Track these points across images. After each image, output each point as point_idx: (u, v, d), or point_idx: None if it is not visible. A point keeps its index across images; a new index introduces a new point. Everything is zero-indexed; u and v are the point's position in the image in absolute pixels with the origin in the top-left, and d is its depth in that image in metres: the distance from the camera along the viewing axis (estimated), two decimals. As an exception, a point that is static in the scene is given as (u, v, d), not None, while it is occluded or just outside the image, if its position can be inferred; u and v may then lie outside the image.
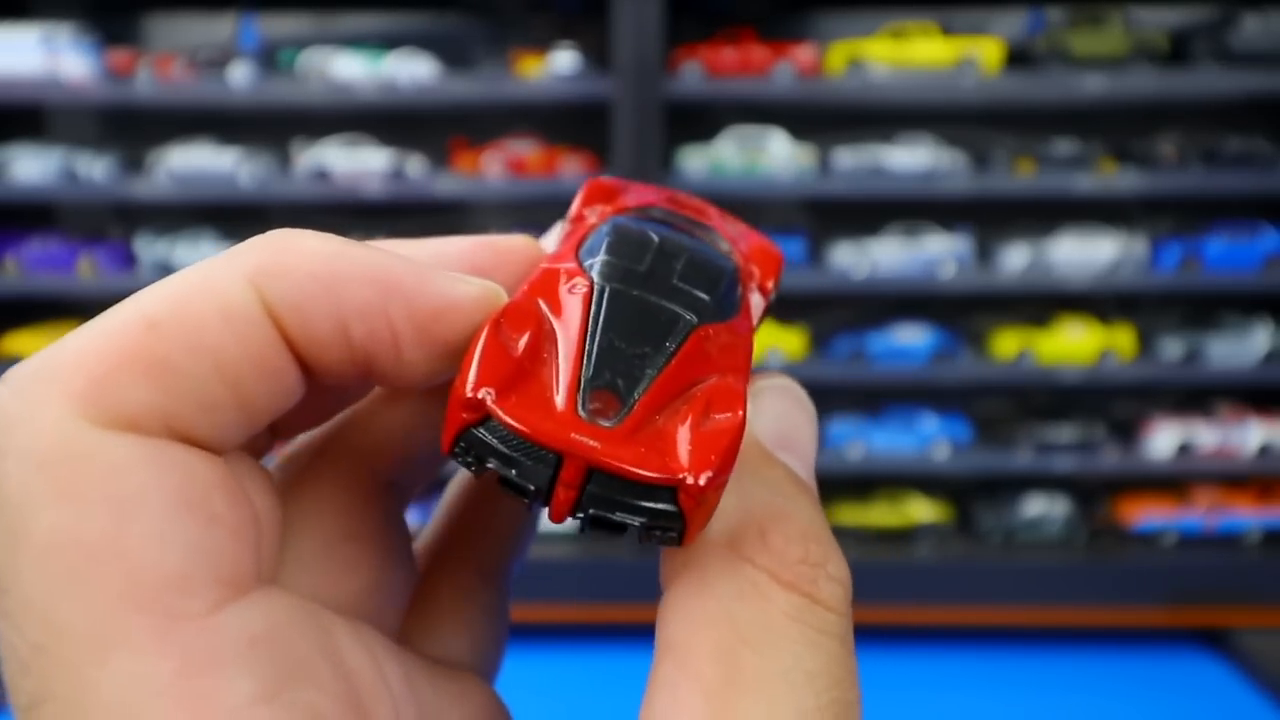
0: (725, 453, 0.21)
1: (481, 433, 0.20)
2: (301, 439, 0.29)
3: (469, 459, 0.21)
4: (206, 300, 0.24)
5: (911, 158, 1.86)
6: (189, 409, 0.22)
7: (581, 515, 0.21)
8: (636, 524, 0.21)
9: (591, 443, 0.20)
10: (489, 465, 0.20)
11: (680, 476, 0.21)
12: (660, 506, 0.21)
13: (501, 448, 0.20)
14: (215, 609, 0.21)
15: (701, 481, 0.21)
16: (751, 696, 0.23)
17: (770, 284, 0.29)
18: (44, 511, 0.21)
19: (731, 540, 0.25)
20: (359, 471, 0.29)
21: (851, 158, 1.87)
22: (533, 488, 0.20)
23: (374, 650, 0.26)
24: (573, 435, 0.20)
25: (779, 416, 0.29)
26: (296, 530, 0.27)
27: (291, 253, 0.24)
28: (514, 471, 0.20)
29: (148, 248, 1.93)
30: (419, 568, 0.32)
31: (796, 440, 0.28)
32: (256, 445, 0.27)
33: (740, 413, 0.22)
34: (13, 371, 0.22)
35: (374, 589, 0.28)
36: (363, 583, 0.28)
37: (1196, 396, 2.01)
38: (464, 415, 0.20)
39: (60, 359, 0.22)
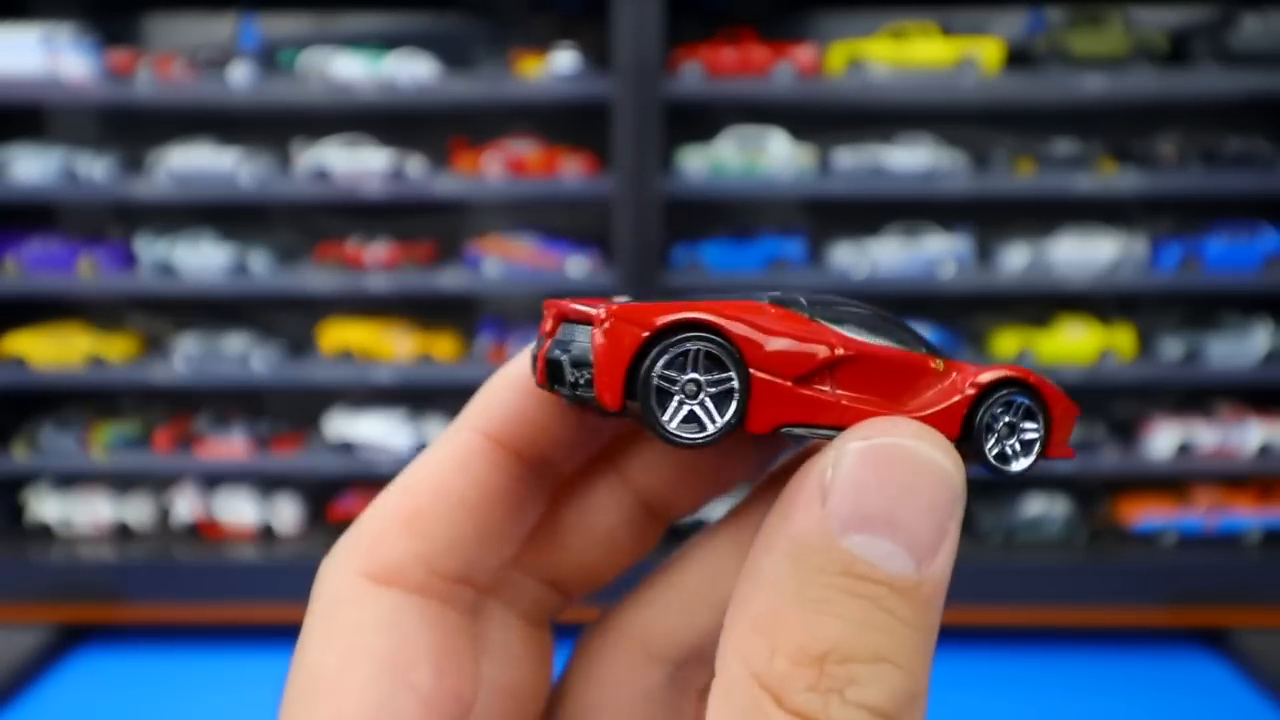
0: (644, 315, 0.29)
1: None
2: None
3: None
4: (444, 452, 0.31)
5: (911, 158, 1.86)
6: (442, 548, 0.30)
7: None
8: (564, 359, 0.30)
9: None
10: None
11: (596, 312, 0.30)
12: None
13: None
14: None
15: (605, 311, 0.29)
16: None
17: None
18: (309, 641, 0.29)
19: (748, 648, 0.25)
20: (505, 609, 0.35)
21: (851, 158, 1.87)
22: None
23: None
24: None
25: (865, 488, 0.25)
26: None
27: (490, 387, 0.32)
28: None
29: (148, 247, 1.93)
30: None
31: (894, 518, 0.25)
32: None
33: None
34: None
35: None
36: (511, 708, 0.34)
37: (1196, 396, 2.01)
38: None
39: (358, 528, 0.30)
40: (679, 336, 0.29)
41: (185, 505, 1.98)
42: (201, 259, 1.91)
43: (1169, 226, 1.98)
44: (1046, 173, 1.85)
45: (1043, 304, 1.98)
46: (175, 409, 2.09)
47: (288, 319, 2.07)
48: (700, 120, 1.97)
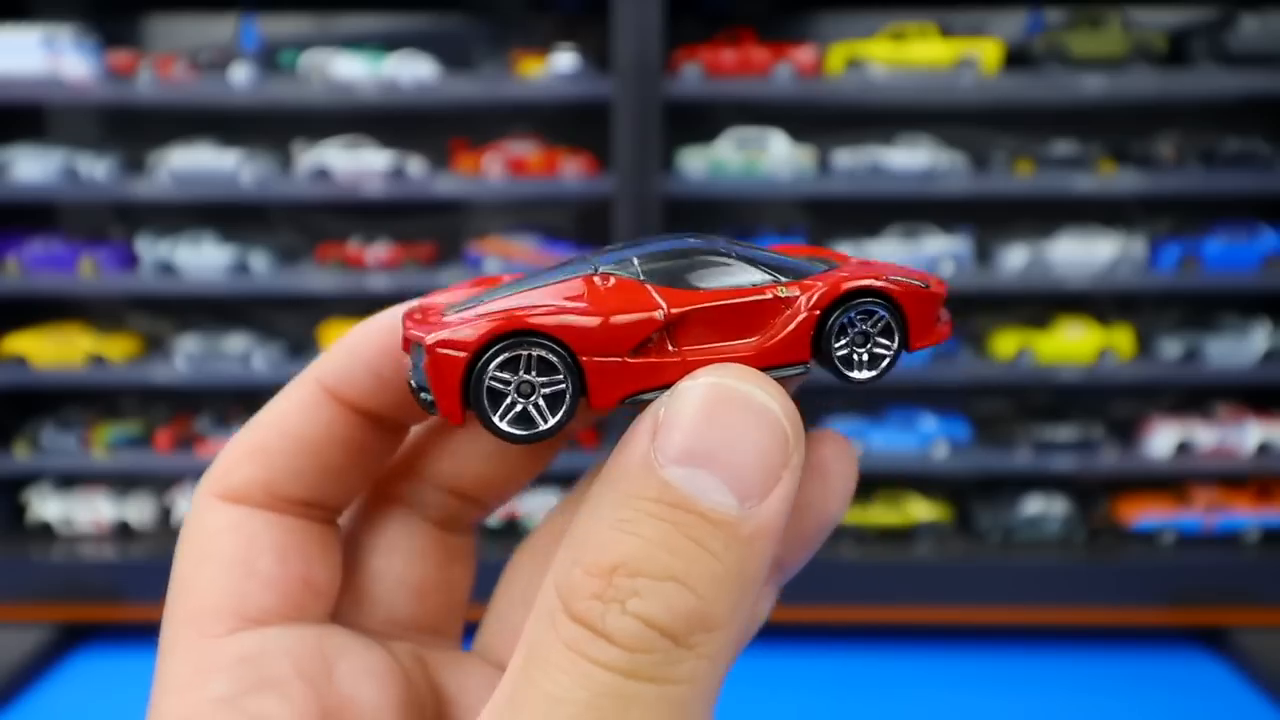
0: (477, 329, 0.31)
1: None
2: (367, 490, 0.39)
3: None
4: (288, 397, 0.35)
5: (911, 158, 1.86)
6: (282, 477, 0.34)
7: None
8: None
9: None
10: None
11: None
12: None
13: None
14: (226, 634, 0.32)
15: (429, 340, 0.31)
16: (514, 718, 0.25)
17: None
18: (175, 557, 0.34)
19: (558, 563, 0.27)
20: (409, 512, 0.38)
21: (851, 158, 1.87)
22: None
23: (412, 670, 0.35)
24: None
25: (696, 427, 0.26)
26: (374, 571, 0.37)
27: (340, 341, 0.36)
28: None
29: (149, 248, 1.93)
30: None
31: (716, 455, 0.25)
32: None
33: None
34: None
35: (441, 610, 0.38)
36: (429, 606, 0.38)
37: (1195, 396, 2.01)
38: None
39: (214, 461, 0.35)
40: (499, 347, 0.30)
41: (186, 505, 1.98)
42: (202, 259, 1.91)
43: (1168, 227, 1.99)
44: (1046, 173, 1.85)
45: (1042, 304, 1.98)
46: (176, 409, 2.09)
47: (288, 319, 2.07)
48: (700, 120, 1.97)
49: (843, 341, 0.33)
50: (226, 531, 0.34)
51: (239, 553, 0.33)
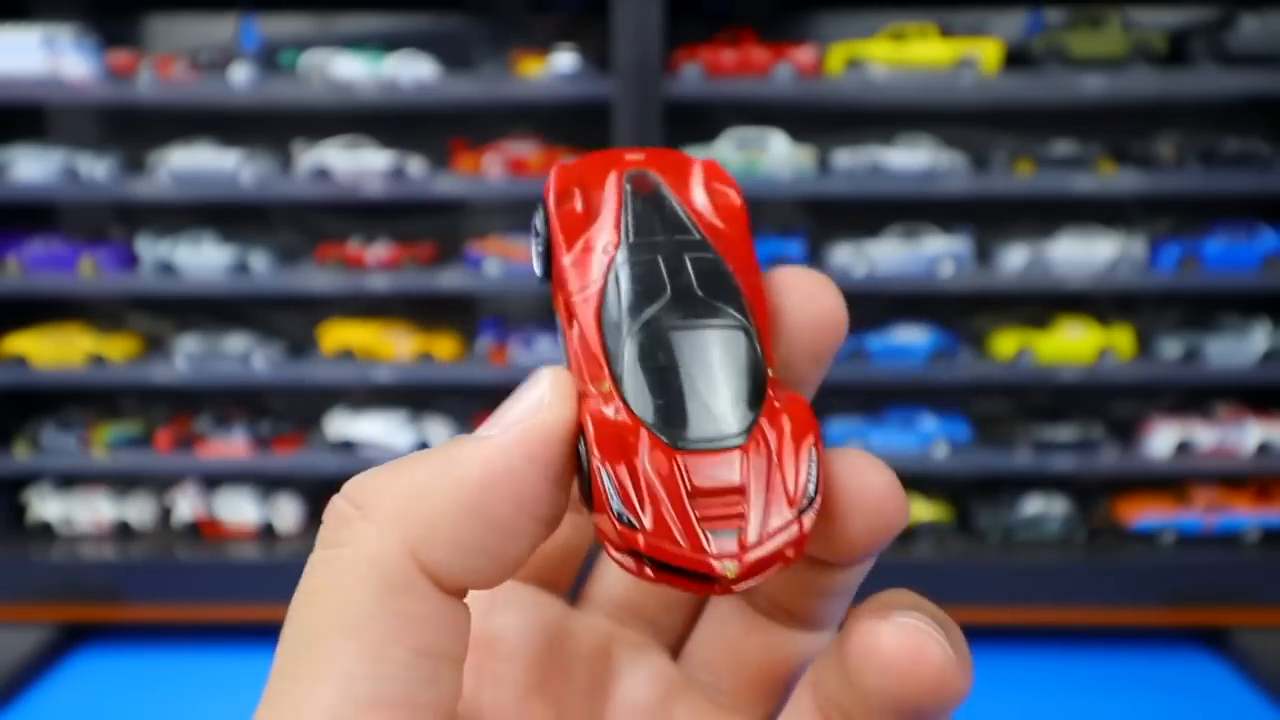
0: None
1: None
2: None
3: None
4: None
5: (911, 158, 1.86)
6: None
7: None
8: None
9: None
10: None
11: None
12: None
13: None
14: None
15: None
16: None
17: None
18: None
19: None
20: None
21: (851, 158, 1.87)
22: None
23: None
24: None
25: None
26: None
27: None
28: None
29: (149, 248, 1.93)
30: None
31: (499, 414, 0.27)
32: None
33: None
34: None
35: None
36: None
37: (1195, 396, 2.01)
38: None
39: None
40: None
41: (186, 505, 1.98)
42: (202, 259, 1.92)
43: (1168, 227, 1.99)
44: (1046, 173, 1.85)
45: (1042, 304, 1.98)
46: (176, 409, 2.09)
47: (288, 319, 2.07)
48: (700, 120, 1.97)
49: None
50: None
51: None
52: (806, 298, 0.29)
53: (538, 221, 0.30)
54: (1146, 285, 1.89)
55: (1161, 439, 1.89)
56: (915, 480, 2.00)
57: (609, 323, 0.27)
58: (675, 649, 0.33)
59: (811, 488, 0.25)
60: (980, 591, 1.84)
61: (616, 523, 0.24)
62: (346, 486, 0.26)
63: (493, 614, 0.32)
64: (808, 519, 0.25)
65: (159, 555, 1.92)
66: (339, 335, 1.96)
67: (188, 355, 1.95)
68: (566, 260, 0.29)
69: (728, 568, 0.24)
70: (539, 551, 0.29)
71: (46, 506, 1.99)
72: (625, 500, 0.24)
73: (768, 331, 0.28)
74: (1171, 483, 1.96)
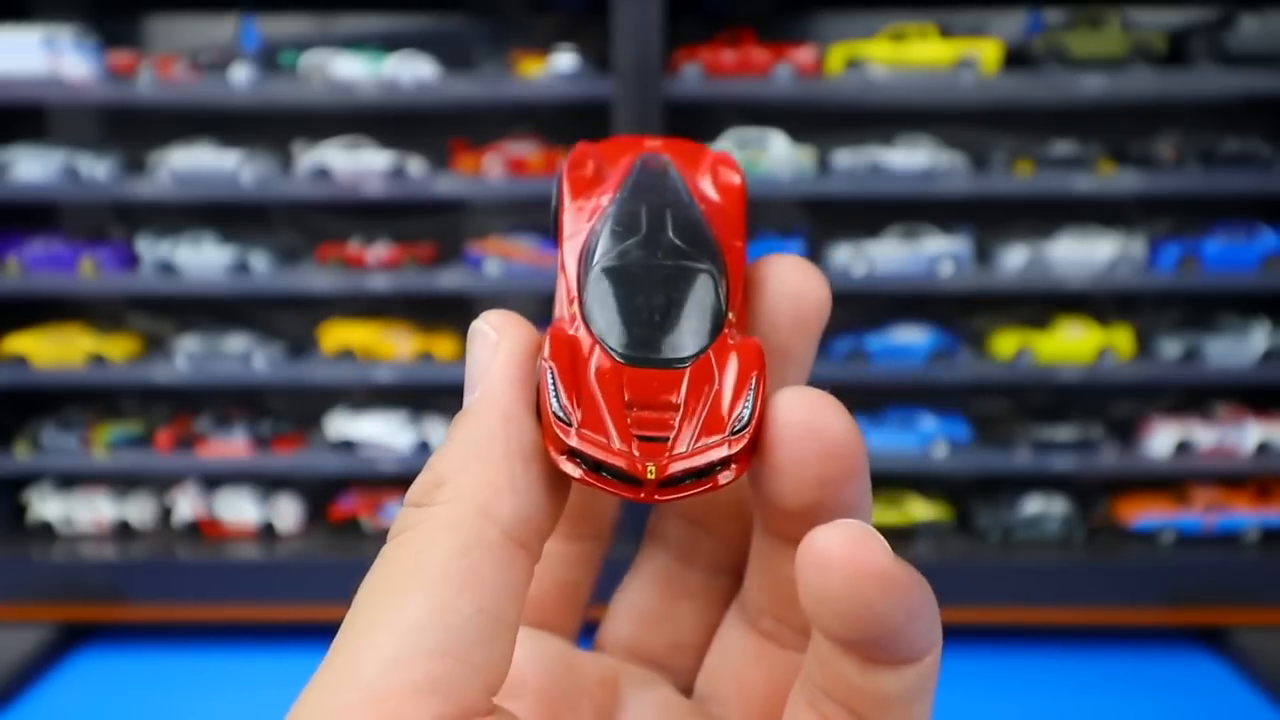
0: None
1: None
2: None
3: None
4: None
5: (911, 158, 1.86)
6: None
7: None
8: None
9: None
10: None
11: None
12: None
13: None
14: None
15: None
16: None
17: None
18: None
19: None
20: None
21: (851, 158, 1.87)
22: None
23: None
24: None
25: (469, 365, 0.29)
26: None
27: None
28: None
29: (149, 248, 1.93)
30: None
31: (470, 377, 0.28)
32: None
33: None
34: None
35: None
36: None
37: (1195, 396, 2.01)
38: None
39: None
40: None
41: (187, 505, 1.99)
42: (202, 259, 1.92)
43: (1167, 227, 1.99)
44: (1045, 173, 1.85)
45: (1042, 304, 1.98)
46: (176, 409, 2.09)
47: (289, 319, 2.07)
48: (700, 121, 1.97)
49: None
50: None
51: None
52: (789, 268, 0.31)
53: (554, 187, 0.33)
54: (1146, 285, 1.90)
55: (1161, 439, 1.89)
56: (915, 480, 2.00)
57: (587, 256, 0.29)
58: (686, 693, 0.34)
59: (746, 414, 0.26)
60: (980, 591, 1.84)
61: (555, 422, 0.26)
62: (432, 460, 0.28)
63: None
64: (738, 443, 0.26)
65: (159, 555, 1.93)
66: (339, 335, 1.96)
67: (188, 355, 1.95)
68: (567, 214, 0.32)
69: (650, 469, 0.25)
70: (537, 593, 0.32)
71: (47, 506, 2.00)
72: (564, 398, 0.26)
73: (739, 288, 0.29)
74: (1171, 483, 1.96)
